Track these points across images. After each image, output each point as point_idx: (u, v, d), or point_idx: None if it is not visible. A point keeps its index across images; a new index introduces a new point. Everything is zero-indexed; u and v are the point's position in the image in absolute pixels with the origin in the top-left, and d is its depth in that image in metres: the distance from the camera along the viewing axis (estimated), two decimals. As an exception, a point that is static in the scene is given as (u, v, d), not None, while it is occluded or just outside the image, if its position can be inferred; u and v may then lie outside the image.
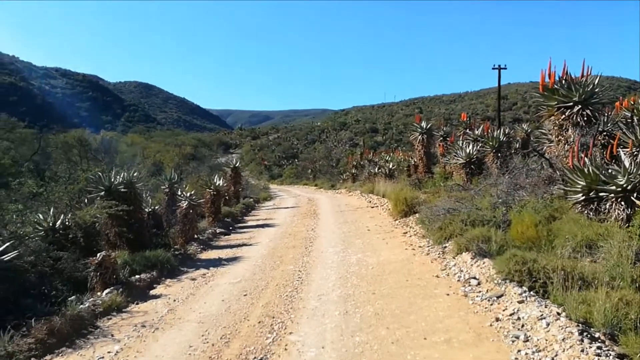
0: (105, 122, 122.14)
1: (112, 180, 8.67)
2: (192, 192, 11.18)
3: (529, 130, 19.74)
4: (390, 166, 22.00)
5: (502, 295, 4.79)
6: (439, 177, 16.20)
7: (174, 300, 6.06)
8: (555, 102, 9.04)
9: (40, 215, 8.11)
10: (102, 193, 8.57)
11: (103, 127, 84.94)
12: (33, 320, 4.77)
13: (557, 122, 9.17)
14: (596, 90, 8.74)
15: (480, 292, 5.13)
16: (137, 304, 6.07)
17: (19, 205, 10.36)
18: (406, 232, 9.39)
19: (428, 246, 7.78)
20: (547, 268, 4.97)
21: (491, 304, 4.70)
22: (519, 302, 4.43)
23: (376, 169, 22.93)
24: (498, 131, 14.44)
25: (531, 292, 4.73)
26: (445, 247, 7.28)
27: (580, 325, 3.73)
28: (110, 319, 5.46)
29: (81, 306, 5.50)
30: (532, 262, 5.12)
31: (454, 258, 6.59)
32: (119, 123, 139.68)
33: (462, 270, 5.97)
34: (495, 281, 5.14)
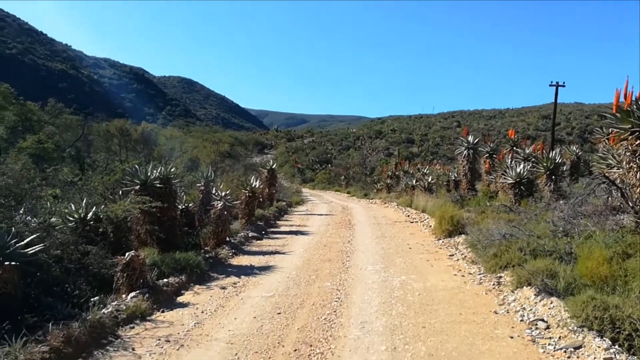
0: (147, 114, 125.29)
1: (149, 174, 8.33)
2: (228, 192, 10.79)
3: (579, 153, 18.60)
4: (429, 180, 21.18)
5: (580, 347, 4.07)
6: (483, 196, 15.32)
7: (202, 312, 5.58)
8: (630, 125, 8.17)
9: (72, 206, 7.83)
10: (137, 187, 8.25)
11: (145, 118, 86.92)
12: (50, 324, 4.37)
13: (630, 147, 8.30)
14: (680, 115, 7.82)
15: (551, 338, 4.41)
16: (163, 311, 5.63)
17: (57, 190, 10.21)
18: (452, 255, 8.67)
19: (480, 274, 7.05)
20: (634, 317, 4.25)
21: (568, 357, 4.00)
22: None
23: (414, 182, 22.15)
24: (553, 152, 13.52)
25: (616, 346, 4.02)
26: (501, 277, 6.55)
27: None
28: (133, 327, 5.02)
29: (104, 310, 5.10)
30: (615, 309, 4.39)
31: (512, 292, 5.86)
32: (160, 116, 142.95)
33: (524, 308, 5.25)
34: (570, 327, 4.41)
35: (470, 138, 17.10)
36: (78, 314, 4.79)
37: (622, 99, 8.55)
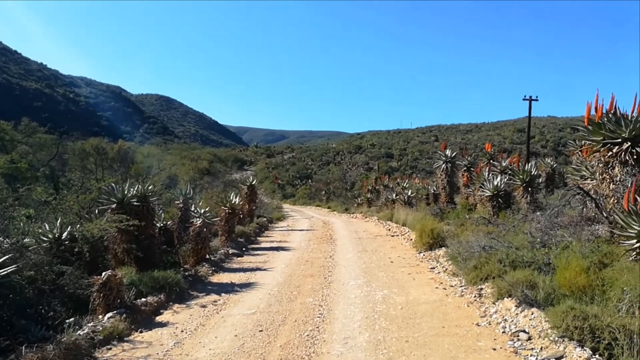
0: (124, 132, 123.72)
1: (126, 192, 8.19)
2: (207, 209, 10.67)
3: (553, 165, 19.06)
4: (409, 193, 21.36)
5: (562, 357, 4.10)
6: (462, 208, 15.51)
7: (182, 331, 5.46)
8: (602, 138, 8.41)
9: (46, 225, 7.63)
10: (114, 206, 8.09)
11: (122, 136, 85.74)
12: (24, 347, 4.21)
13: (602, 158, 8.53)
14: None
15: (533, 349, 4.44)
16: (141, 332, 5.49)
17: (30, 210, 9.94)
18: (434, 268, 8.70)
19: (461, 286, 7.09)
20: (612, 327, 4.31)
21: (550, 367, 4.02)
22: (587, 369, 3.75)
23: (394, 196, 22.30)
24: (529, 164, 13.80)
25: (596, 355, 4.06)
26: (482, 289, 6.59)
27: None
28: (110, 349, 4.88)
29: (79, 332, 4.94)
30: (594, 319, 4.45)
31: (493, 303, 5.91)
32: (137, 134, 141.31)
33: (506, 320, 5.29)
34: (551, 338, 4.45)
35: (448, 152, 17.35)
36: (53, 336, 4.64)
37: (593, 112, 8.79)
